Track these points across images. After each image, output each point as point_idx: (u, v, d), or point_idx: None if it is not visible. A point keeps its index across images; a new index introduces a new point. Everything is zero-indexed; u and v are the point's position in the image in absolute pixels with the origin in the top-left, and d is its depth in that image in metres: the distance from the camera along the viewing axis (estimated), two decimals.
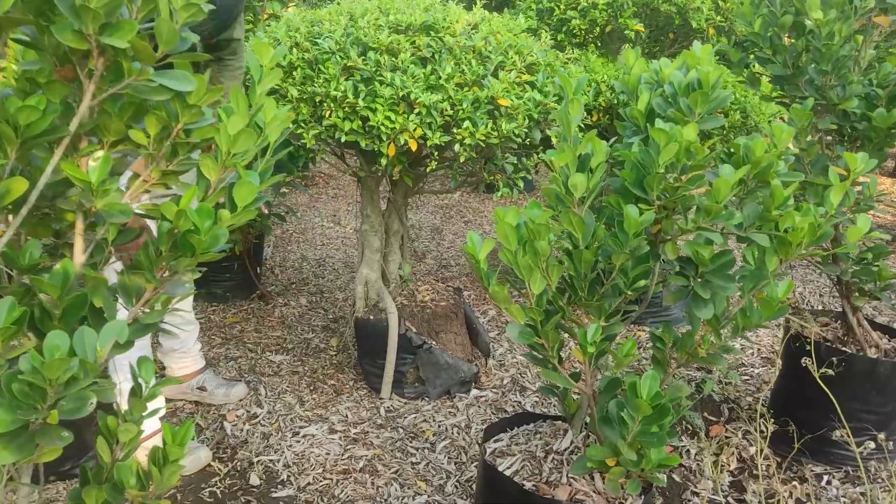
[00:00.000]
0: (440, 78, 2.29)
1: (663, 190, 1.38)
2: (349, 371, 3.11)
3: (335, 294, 4.04)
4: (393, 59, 2.33)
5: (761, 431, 1.94)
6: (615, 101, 3.14)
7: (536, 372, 3.14)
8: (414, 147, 2.27)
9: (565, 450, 1.78)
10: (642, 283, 1.41)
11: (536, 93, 2.41)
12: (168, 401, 2.83)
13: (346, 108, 2.29)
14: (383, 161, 2.33)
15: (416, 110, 2.25)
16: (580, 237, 1.39)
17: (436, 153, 2.34)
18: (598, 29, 3.56)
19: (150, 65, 0.99)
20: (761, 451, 1.92)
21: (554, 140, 2.47)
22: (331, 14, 2.57)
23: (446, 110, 2.27)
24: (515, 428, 1.96)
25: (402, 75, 2.27)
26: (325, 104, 2.31)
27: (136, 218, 1.15)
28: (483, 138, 2.29)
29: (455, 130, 2.30)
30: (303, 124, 2.36)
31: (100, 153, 1.05)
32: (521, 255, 1.37)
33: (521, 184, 2.53)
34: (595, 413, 1.53)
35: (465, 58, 2.38)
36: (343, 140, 2.30)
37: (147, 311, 1.16)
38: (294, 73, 2.39)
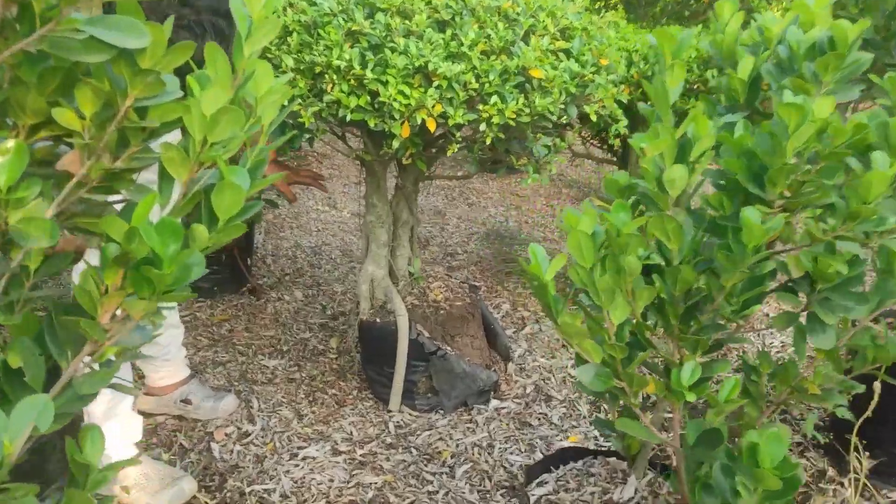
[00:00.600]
0: (462, 45, 1.94)
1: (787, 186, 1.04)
2: (352, 378, 2.77)
3: (333, 287, 3.70)
4: (406, 22, 1.97)
5: (852, 466, 1.62)
6: (651, 73, 2.79)
7: (562, 377, 2.81)
8: (433, 127, 1.91)
9: (629, 500, 1.45)
10: (756, 308, 1.08)
11: (573, 62, 2.06)
12: (148, 416, 2.49)
13: (352, 81, 1.93)
14: (395, 143, 1.98)
15: (435, 83, 1.89)
16: (675, 249, 1.05)
17: (457, 134, 1.99)
18: None
19: (75, 6, 0.64)
20: (858, 489, 1.60)
21: (592, 115, 2.12)
22: None
23: (470, 83, 1.91)
24: (561, 467, 1.63)
25: (417, 42, 1.91)
26: (326, 76, 1.95)
27: (71, 238, 0.81)
28: (513, 116, 1.94)
29: (480, 107, 1.94)
30: (300, 100, 2.00)
31: (11, 142, 0.70)
32: (599, 273, 1.03)
33: (554, 169, 2.19)
34: (683, 472, 1.20)
35: (491, 21, 2.02)
36: (348, 119, 1.94)
37: (91, 368, 0.81)
38: (289, 38, 2.03)
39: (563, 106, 2.02)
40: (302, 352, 2.99)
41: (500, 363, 2.81)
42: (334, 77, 1.93)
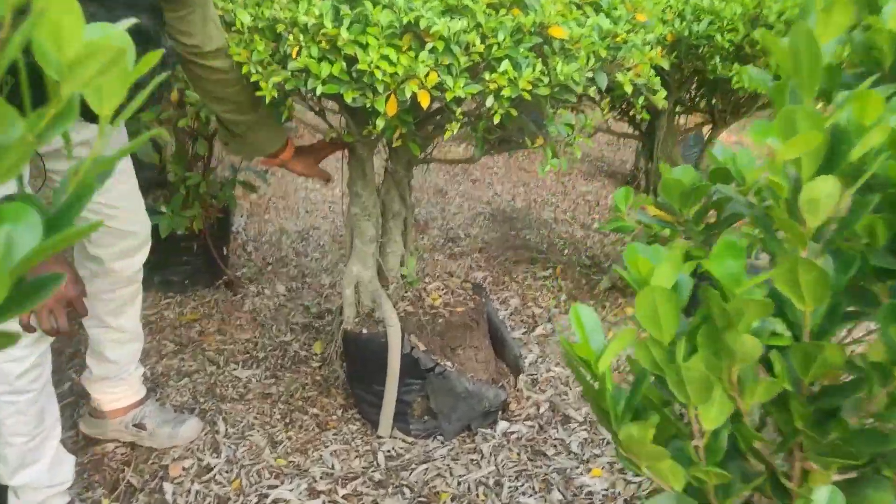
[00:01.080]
0: None
1: None
2: (336, 393, 2.38)
3: (320, 278, 3.30)
4: None
5: None
6: (687, 33, 2.35)
7: (580, 391, 2.42)
8: (426, 102, 1.49)
9: None
10: None
11: (603, 18, 1.63)
12: (96, 444, 2.11)
13: (323, 44, 1.50)
14: (379, 123, 1.56)
15: (429, 45, 1.47)
16: (809, 311, 0.64)
17: (457, 110, 1.57)
18: None
19: None
20: None
21: (626, 86, 1.70)
22: None
23: (474, 44, 1.49)
24: None
25: None
26: (290, 37, 1.53)
27: None
28: (528, 87, 1.52)
29: (486, 76, 1.52)
30: (259, 67, 1.58)
31: None
32: (683, 353, 0.62)
33: (578, 152, 1.77)
34: None
35: None
36: (319, 92, 1.53)
37: None
38: None
39: (590, 74, 1.60)
40: (281, 359, 2.60)
41: (509, 376, 2.42)
42: (301, 38, 1.51)
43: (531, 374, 2.50)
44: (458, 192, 4.55)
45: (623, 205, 1.39)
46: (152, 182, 3.15)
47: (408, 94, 1.48)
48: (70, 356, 2.53)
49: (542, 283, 3.26)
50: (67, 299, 1.45)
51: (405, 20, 1.45)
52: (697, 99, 2.83)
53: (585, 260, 3.56)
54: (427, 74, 1.47)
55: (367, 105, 1.54)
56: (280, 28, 1.53)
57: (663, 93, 1.83)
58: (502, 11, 1.53)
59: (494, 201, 4.41)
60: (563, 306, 3.05)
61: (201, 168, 2.99)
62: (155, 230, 2.84)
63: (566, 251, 3.66)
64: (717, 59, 2.35)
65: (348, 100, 1.54)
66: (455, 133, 1.58)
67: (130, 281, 1.94)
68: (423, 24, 1.45)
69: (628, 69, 1.71)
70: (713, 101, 2.75)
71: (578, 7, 1.64)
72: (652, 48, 1.76)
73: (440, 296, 2.27)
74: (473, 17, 1.50)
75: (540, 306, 3.04)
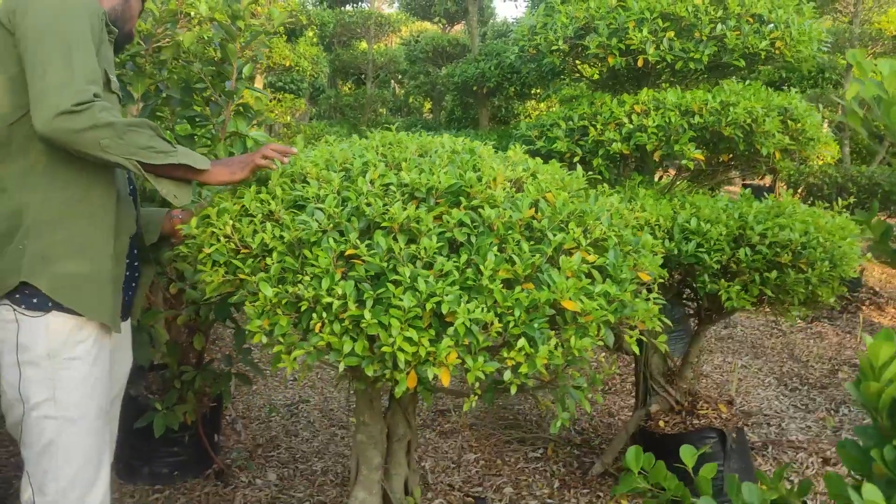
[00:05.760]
0: (482, 275, 1.59)
1: None
2: None
3: (312, 462, 3.26)
4: (412, 246, 1.62)
5: None
6: (676, 251, 2.47)
7: None
8: (447, 380, 1.54)
9: None
10: None
11: (610, 283, 1.72)
12: None
13: (346, 322, 1.56)
14: (400, 390, 1.61)
15: (451, 329, 1.53)
16: None
17: (476, 386, 1.62)
18: (644, 155, 2.90)
19: None
20: None
21: (633, 347, 1.77)
22: (316, 166, 1.86)
23: (493, 324, 1.56)
24: None
25: (426, 275, 1.56)
26: (314, 315, 1.58)
27: None
28: (545, 362, 1.58)
29: (504, 353, 1.58)
30: (280, 339, 1.63)
31: None
32: None
33: (588, 406, 1.82)
34: None
35: (512, 238, 1.68)
36: (342, 368, 1.57)
37: None
38: (267, 259, 1.67)
39: (600, 342, 1.67)
40: None
41: None
42: (324, 315, 1.57)
43: None
44: None
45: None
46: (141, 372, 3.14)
47: (429, 376, 1.53)
48: None
49: (534, 466, 3.26)
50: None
51: (429, 307, 1.52)
52: (683, 297, 2.94)
53: (576, 436, 3.58)
54: (448, 355, 1.53)
55: (387, 377, 1.59)
56: (304, 306, 1.58)
57: (664, 337, 1.91)
58: (517, 288, 1.61)
59: None
60: (556, 496, 3.04)
61: (194, 359, 3.00)
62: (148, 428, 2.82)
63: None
64: (707, 276, 2.46)
65: (369, 373, 1.58)
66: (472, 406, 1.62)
67: None
68: (445, 308, 1.52)
69: (633, 327, 1.79)
70: (699, 301, 2.86)
71: (587, 275, 1.72)
72: (651, 293, 1.85)
73: None
74: (490, 295, 1.58)
75: (535, 496, 3.03)
